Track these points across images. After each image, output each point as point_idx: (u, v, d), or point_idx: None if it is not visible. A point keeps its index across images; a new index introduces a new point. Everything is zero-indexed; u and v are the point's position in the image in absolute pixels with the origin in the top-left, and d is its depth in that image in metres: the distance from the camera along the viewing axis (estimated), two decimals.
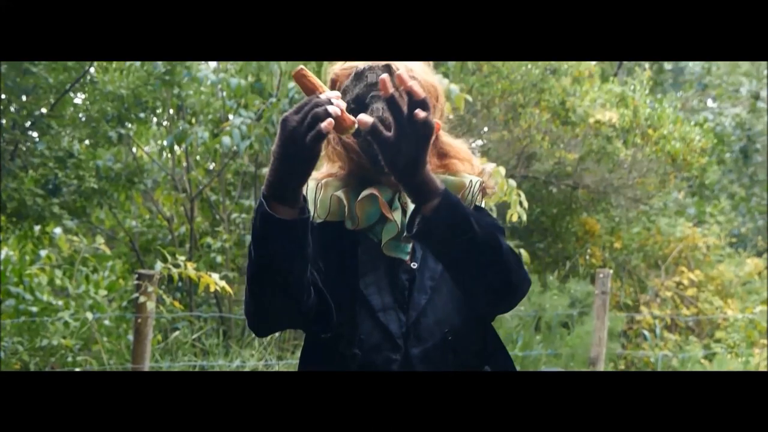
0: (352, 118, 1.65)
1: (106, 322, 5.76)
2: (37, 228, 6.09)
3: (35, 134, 6.10)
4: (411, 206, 1.84)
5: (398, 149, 1.65)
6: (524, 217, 5.78)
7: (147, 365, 4.84)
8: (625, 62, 13.48)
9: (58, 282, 5.80)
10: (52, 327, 5.51)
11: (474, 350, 1.93)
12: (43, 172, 5.96)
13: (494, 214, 5.67)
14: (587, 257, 10.04)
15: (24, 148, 5.94)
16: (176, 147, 7.05)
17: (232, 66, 7.24)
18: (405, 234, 1.80)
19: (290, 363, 6.08)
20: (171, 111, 7.27)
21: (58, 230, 6.04)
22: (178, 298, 6.72)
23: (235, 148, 6.29)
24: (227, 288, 5.19)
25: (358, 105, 1.81)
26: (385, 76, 1.63)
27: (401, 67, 1.84)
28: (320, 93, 1.67)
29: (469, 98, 6.47)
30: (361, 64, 1.87)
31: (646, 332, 9.22)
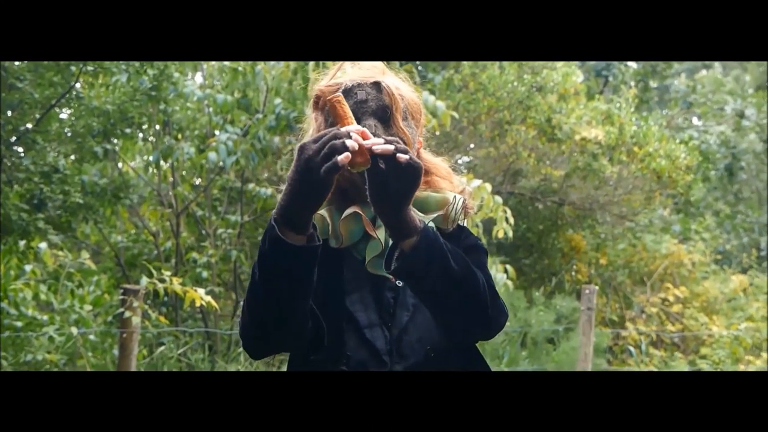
0: (368, 155, 1.65)
1: (92, 337, 5.73)
2: (22, 243, 6.06)
3: (20, 149, 6.09)
4: None
5: (387, 186, 1.67)
6: (510, 234, 5.80)
7: None
8: (610, 80, 13.56)
9: (43, 297, 5.77)
10: (36, 342, 5.48)
11: (457, 368, 1.94)
12: (29, 187, 5.93)
13: (480, 230, 5.71)
14: (573, 273, 10.08)
15: (9, 163, 5.92)
16: (162, 162, 7.05)
17: (218, 82, 7.26)
18: (386, 270, 1.80)
19: None
20: (157, 126, 7.26)
21: (43, 245, 6.01)
22: (164, 313, 6.70)
23: (221, 163, 6.30)
24: (213, 303, 5.18)
25: None
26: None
27: (390, 85, 1.86)
28: (346, 124, 1.68)
29: (456, 115, 6.51)
30: (347, 81, 1.89)
31: (631, 348, 9.25)
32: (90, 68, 5.89)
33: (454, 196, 1.92)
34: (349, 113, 1.70)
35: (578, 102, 9.40)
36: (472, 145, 9.18)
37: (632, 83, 13.01)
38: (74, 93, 6.08)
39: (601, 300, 9.65)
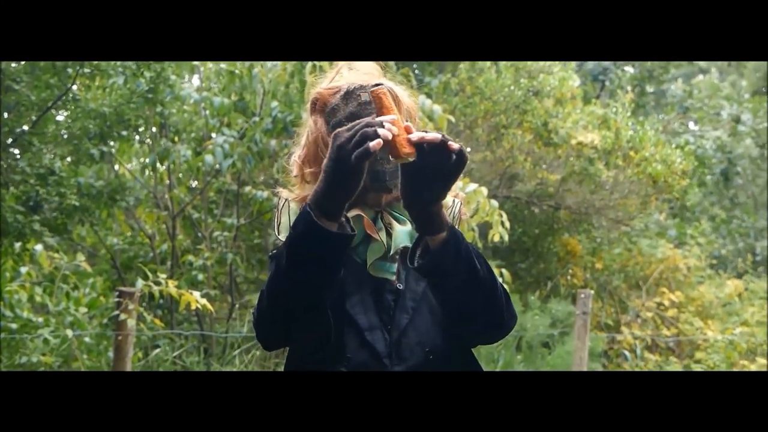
0: (412, 147, 1.66)
1: (87, 339, 5.72)
2: (17, 245, 6.05)
3: (16, 151, 6.08)
4: (396, 226, 1.87)
5: (427, 177, 1.69)
6: (506, 237, 5.81)
7: None
8: (607, 85, 13.58)
9: (38, 299, 5.76)
10: (31, 344, 5.47)
11: (455, 371, 1.94)
12: (25, 189, 5.93)
13: (476, 234, 5.71)
14: (569, 277, 10.07)
15: (5, 165, 5.91)
16: (159, 165, 7.04)
17: (215, 84, 7.26)
18: (410, 266, 1.81)
19: None
20: (154, 129, 7.26)
21: (38, 247, 6.00)
22: (159, 316, 6.69)
23: (217, 166, 6.30)
24: (208, 306, 5.17)
25: (352, 122, 1.83)
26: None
27: (392, 87, 1.87)
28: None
29: (452, 119, 6.51)
30: (347, 84, 1.90)
31: (626, 352, 9.25)
32: (87, 70, 5.89)
33: (453, 200, 1.94)
34: (392, 106, 1.70)
35: (575, 106, 9.40)
36: (468, 149, 9.18)
37: (629, 88, 13.01)
38: (71, 95, 6.07)
39: (596, 304, 9.64)
